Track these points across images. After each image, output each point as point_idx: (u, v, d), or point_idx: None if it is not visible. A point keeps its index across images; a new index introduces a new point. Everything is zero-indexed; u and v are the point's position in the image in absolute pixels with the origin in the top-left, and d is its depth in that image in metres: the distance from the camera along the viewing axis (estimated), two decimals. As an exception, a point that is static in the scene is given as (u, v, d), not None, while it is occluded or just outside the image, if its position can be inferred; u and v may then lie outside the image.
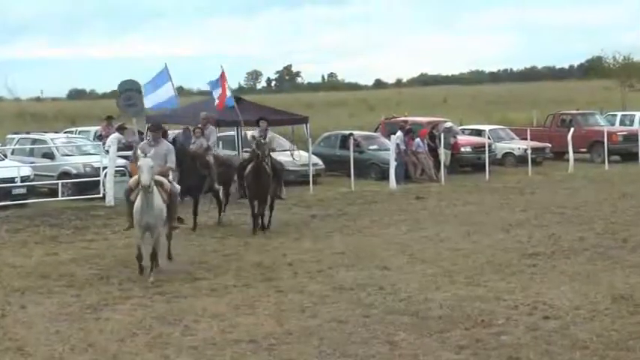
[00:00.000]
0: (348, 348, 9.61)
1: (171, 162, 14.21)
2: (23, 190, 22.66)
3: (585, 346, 9.58)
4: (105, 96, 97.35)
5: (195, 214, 18.05)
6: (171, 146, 14.47)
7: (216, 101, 23.70)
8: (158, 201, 13.12)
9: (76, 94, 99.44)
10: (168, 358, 9.46)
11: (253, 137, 18.36)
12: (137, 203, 13.04)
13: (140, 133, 27.81)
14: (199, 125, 20.09)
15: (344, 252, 15.33)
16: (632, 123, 38.30)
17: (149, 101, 22.36)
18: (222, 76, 23.56)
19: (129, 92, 15.07)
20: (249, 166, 17.69)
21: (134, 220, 13.20)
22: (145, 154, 13.04)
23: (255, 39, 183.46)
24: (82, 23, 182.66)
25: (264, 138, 17.92)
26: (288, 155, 27.15)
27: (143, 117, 22.22)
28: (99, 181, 23.09)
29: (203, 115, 20.48)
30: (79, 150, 25.89)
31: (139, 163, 12.63)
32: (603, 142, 32.57)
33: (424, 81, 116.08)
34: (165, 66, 21.05)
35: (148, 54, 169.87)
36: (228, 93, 23.68)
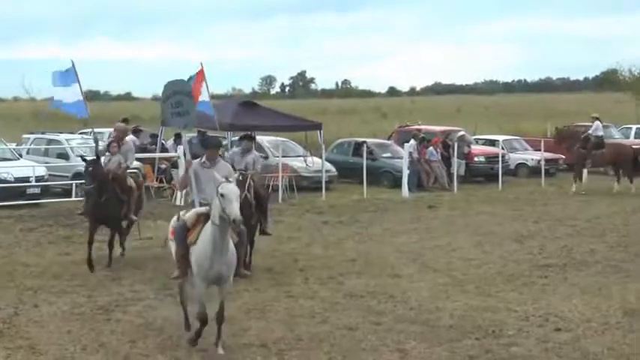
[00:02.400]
0: (358, 355, 9.62)
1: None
2: (37, 190, 22.75)
3: (596, 359, 9.57)
4: (119, 98, 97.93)
5: (111, 246, 14.68)
6: (230, 167, 11.17)
7: None
8: (230, 242, 9.79)
9: (91, 96, 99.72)
10: (178, 360, 9.49)
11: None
12: (202, 246, 9.65)
13: (154, 136, 28.00)
14: (112, 139, 15.72)
15: (355, 259, 15.34)
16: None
17: (56, 95, 17.92)
18: (199, 74, 20.77)
19: (178, 96, 10.33)
20: None
21: (196, 269, 9.76)
22: (222, 180, 9.64)
23: (269, 44, 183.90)
24: (96, 24, 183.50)
25: (245, 155, 14.67)
26: (302, 161, 27.25)
27: (193, 126, 16.72)
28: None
29: (118, 127, 16.17)
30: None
31: (222, 191, 9.39)
32: (617, 155, 32.43)
33: (438, 90, 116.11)
34: (73, 64, 17.09)
35: (161, 56, 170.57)
36: (205, 97, 20.70)
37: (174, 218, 10.66)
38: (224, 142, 28.80)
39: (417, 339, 10.27)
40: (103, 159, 14.97)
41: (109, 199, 14.33)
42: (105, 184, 14.34)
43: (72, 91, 17.14)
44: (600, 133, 27.97)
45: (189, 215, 10.27)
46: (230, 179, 9.70)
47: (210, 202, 9.93)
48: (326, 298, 12.31)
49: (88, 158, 14.91)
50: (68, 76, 17.13)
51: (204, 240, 9.67)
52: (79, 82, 16.99)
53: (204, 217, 9.91)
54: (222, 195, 9.39)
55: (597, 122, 28.03)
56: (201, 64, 20.53)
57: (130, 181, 15.08)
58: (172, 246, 10.46)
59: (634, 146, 28.66)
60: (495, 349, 9.91)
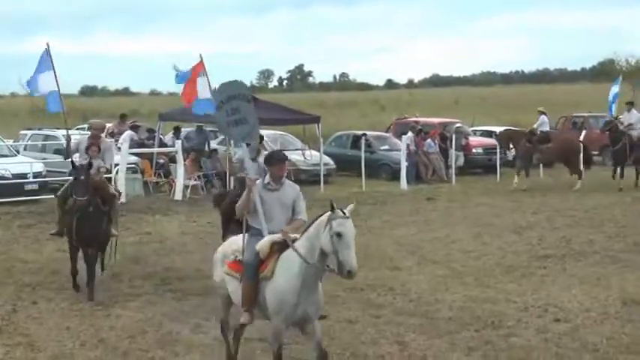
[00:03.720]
0: (358, 348, 9.63)
1: (302, 212, 8.90)
2: (35, 186, 22.72)
3: (595, 349, 9.58)
4: (117, 93, 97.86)
5: (92, 277, 12.08)
6: (297, 188, 9.10)
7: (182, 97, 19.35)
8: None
9: (88, 91, 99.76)
10: (178, 355, 9.49)
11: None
12: (285, 282, 8.13)
13: (152, 130, 27.98)
14: (91, 141, 13.06)
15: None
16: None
17: (33, 81, 15.17)
18: (198, 67, 18.70)
19: (234, 101, 9.09)
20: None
21: (275, 307, 8.21)
22: (337, 213, 8.02)
23: (267, 38, 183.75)
24: (94, 20, 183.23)
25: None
26: (300, 154, 27.23)
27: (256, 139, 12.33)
28: (110, 178, 23.11)
29: (94, 124, 13.82)
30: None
31: (339, 229, 7.82)
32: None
33: (435, 82, 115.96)
34: (47, 48, 14.50)
35: (159, 51, 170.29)
36: (204, 93, 18.12)
37: (223, 249, 9.10)
38: (221, 137, 28.88)
39: (416, 331, 10.28)
40: (78, 160, 12.80)
41: (93, 213, 11.94)
42: (92, 195, 11.99)
43: (45, 80, 14.47)
44: (546, 127, 26.96)
45: (262, 245, 8.35)
46: (344, 211, 8.04)
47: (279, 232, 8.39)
48: (326, 291, 12.12)
49: (77, 163, 12.55)
50: (41, 61, 14.57)
51: (287, 275, 8.10)
52: (54, 69, 14.34)
53: (279, 246, 8.32)
54: (338, 234, 7.76)
55: (543, 116, 26.99)
56: (201, 55, 18.50)
57: (111, 189, 12.99)
58: (231, 283, 8.72)
59: (581, 140, 27.62)
60: (495, 340, 9.92)
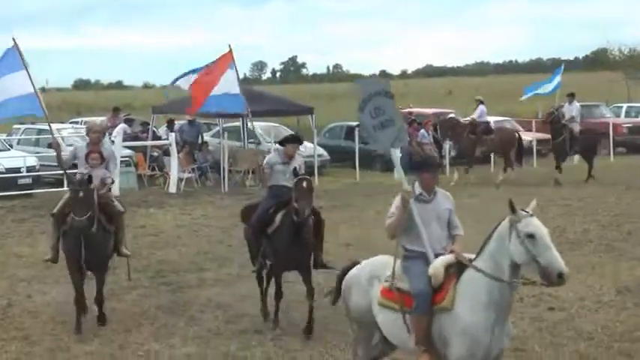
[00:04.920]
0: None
1: (459, 226, 8.02)
2: (29, 180, 22.72)
3: (590, 337, 9.61)
4: (110, 86, 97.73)
5: (100, 301, 10.64)
6: (451, 196, 7.96)
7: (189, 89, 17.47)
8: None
9: (82, 84, 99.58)
10: (173, 347, 9.50)
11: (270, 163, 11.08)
12: (473, 315, 6.81)
13: (146, 124, 27.95)
14: (91, 148, 10.96)
15: (350, 243, 15.33)
16: (637, 115, 38.23)
17: None
18: (224, 58, 16.84)
19: (377, 99, 7.80)
20: (280, 218, 10.40)
21: (464, 348, 6.83)
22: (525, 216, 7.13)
23: (260, 30, 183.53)
24: (87, 13, 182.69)
25: (288, 164, 10.68)
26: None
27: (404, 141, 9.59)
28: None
29: (93, 127, 11.57)
30: (85, 140, 25.90)
31: (529, 229, 6.94)
32: (609, 134, 32.50)
33: (429, 72, 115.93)
34: (15, 43, 11.87)
35: (152, 44, 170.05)
36: (231, 87, 16.47)
37: (366, 271, 7.62)
38: (214, 130, 28.85)
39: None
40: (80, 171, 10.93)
41: (97, 234, 10.15)
42: (94, 213, 10.10)
43: (16, 82, 11.79)
44: (485, 118, 26.00)
45: (436, 270, 7.05)
46: (526, 210, 7.15)
47: (443, 252, 7.28)
48: (321, 283, 12.30)
49: (77, 176, 10.72)
50: (9, 60, 11.92)
51: (474, 303, 6.80)
52: (26, 68, 11.82)
53: (453, 270, 7.13)
54: (530, 236, 6.78)
55: (481, 106, 25.92)
56: (230, 46, 16.22)
57: (117, 204, 10.97)
58: (384, 313, 7.37)
59: (518, 132, 26.91)
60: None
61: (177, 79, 18.63)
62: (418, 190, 7.45)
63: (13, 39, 11.96)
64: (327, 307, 10.42)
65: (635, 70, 55.73)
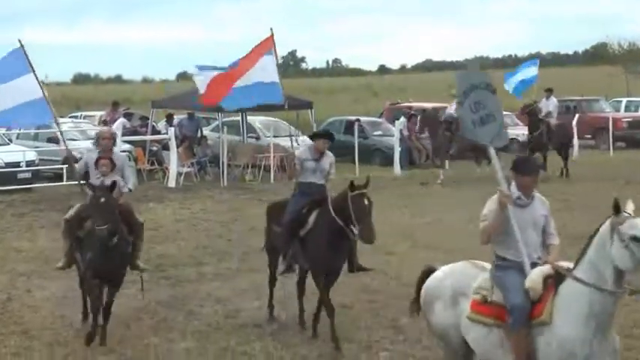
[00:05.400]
0: (353, 333, 9.66)
1: (555, 234, 7.52)
2: (28, 175, 22.71)
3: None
4: (109, 81, 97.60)
5: (107, 317, 9.72)
6: (547, 202, 7.41)
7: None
8: None
9: (81, 79, 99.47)
10: (172, 342, 9.51)
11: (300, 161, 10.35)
12: (575, 327, 6.45)
13: (145, 118, 27.94)
14: (101, 154, 10.24)
15: (348, 237, 15.32)
16: (637, 109, 38.24)
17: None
18: (265, 42, 14.90)
19: (477, 93, 7.37)
20: (313, 219, 9.87)
21: None
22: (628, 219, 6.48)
23: (259, 24, 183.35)
24: (87, 7, 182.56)
25: (320, 160, 10.22)
26: (292, 140, 27.20)
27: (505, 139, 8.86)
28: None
29: (103, 134, 10.52)
30: (84, 135, 25.94)
31: (635, 232, 6.27)
32: (608, 129, 32.51)
33: (429, 67, 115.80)
34: (21, 45, 11.02)
35: (151, 38, 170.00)
36: (268, 76, 14.71)
37: (451, 281, 7.13)
38: (214, 124, 28.83)
39: (410, 316, 10.28)
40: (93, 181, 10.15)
41: (117, 245, 9.51)
42: (117, 222, 9.49)
43: (23, 87, 10.89)
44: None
45: (533, 281, 6.57)
46: (628, 211, 6.48)
47: (538, 261, 6.83)
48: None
49: (94, 182, 9.94)
50: (14, 62, 11.00)
51: (573, 316, 6.38)
52: (33, 71, 10.97)
53: (553, 281, 6.63)
54: (635, 239, 6.16)
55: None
56: (272, 30, 14.66)
57: (137, 215, 10.38)
58: (475, 329, 6.86)
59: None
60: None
61: (200, 74, 16.97)
62: (515, 193, 6.93)
63: (19, 40, 11.11)
64: (333, 304, 10.45)
65: (634, 65, 55.74)
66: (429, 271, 7.49)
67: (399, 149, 26.40)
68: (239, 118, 27.51)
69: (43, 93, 11.05)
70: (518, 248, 6.79)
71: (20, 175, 22.48)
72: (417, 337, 9.51)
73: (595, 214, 7.94)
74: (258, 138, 27.55)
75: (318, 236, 9.56)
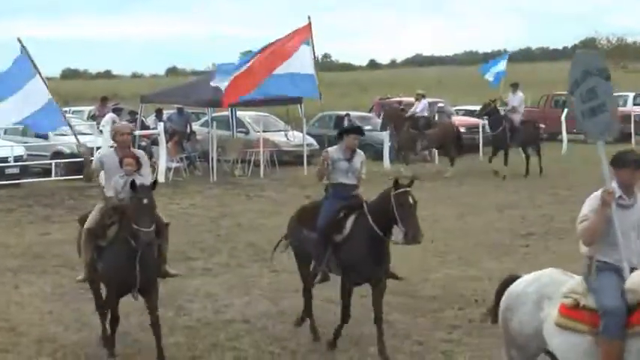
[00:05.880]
0: (343, 328, 9.63)
1: None
2: (16, 170, 22.63)
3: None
4: (98, 76, 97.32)
5: (159, 331, 8.94)
6: None
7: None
8: None
9: (70, 74, 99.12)
10: (162, 337, 9.46)
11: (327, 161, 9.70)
12: None
13: (134, 113, 27.85)
14: (126, 152, 9.31)
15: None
16: (625, 104, 38.32)
17: (16, 112, 10.66)
18: (302, 32, 13.75)
19: (590, 79, 6.56)
20: (350, 224, 9.25)
21: None
22: None
23: (249, 19, 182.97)
24: (76, 1, 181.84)
25: (349, 161, 9.66)
26: (283, 135, 27.20)
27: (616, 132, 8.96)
28: (92, 160, 23.02)
29: (121, 128, 9.63)
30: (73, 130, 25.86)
31: None
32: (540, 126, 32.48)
33: (418, 62, 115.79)
34: (22, 46, 10.43)
35: (141, 33, 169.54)
36: (307, 67, 13.44)
37: (536, 286, 6.74)
38: (203, 119, 28.79)
39: (400, 310, 10.30)
40: (111, 182, 9.24)
41: (152, 249, 8.85)
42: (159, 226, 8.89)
43: (34, 91, 10.24)
44: (427, 112, 25.31)
45: (634, 282, 6.16)
46: None
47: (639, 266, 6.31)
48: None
49: (138, 181, 8.83)
50: (20, 67, 10.35)
51: None
52: (38, 72, 10.32)
53: None
54: None
55: (424, 100, 25.28)
56: (309, 18, 13.66)
57: (161, 217, 9.30)
58: (563, 337, 6.41)
59: (457, 126, 26.38)
60: (477, 317, 9.94)
61: (221, 76, 15.92)
62: (617, 192, 6.50)
63: (19, 39, 10.45)
64: (317, 296, 10.44)
65: (622, 60, 55.95)
66: (511, 280, 7.09)
67: (389, 144, 26.38)
68: (228, 113, 27.46)
69: (50, 96, 10.45)
70: (617, 251, 6.38)
71: (8, 171, 22.40)
72: (407, 332, 9.52)
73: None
74: (247, 133, 27.52)
75: (355, 243, 8.97)
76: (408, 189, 8.80)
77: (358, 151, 9.66)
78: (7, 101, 10.37)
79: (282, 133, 27.48)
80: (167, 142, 23.86)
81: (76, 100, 45.88)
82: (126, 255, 8.57)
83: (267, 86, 13.72)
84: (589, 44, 68.38)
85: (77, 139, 11.85)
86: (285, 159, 26.49)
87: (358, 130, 9.85)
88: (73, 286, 11.62)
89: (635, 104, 37.76)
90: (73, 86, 63.30)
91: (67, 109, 34.04)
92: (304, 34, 13.44)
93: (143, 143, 25.61)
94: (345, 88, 63.27)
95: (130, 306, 10.63)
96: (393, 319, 9.94)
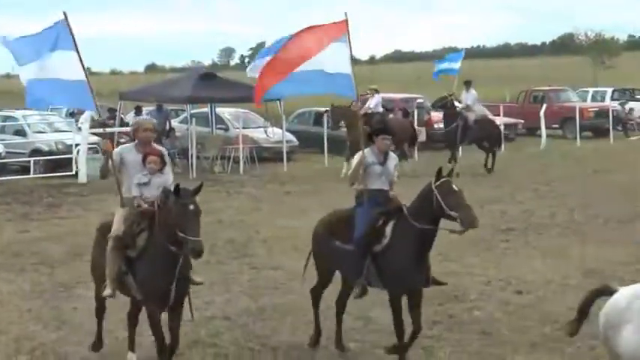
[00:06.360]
0: (323, 324, 9.63)
1: None
2: (-6, 168, 22.51)
3: (556, 320, 9.68)
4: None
5: (175, 348, 8.35)
6: None
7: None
8: None
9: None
10: (142, 335, 9.42)
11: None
12: None
13: (113, 110, 27.74)
14: (148, 149, 8.57)
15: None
16: (603, 99, 38.60)
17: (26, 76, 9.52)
18: (338, 27, 12.23)
19: None
20: (390, 231, 8.67)
21: None
22: None
23: (228, 16, 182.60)
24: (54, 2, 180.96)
25: (383, 164, 9.09)
26: (262, 132, 27.16)
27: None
28: (71, 158, 22.95)
29: (144, 124, 8.91)
30: (52, 127, 25.77)
31: None
32: (575, 119, 32.77)
33: (398, 58, 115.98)
34: (65, 17, 9.31)
35: (119, 30, 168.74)
36: (343, 66, 11.90)
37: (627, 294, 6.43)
38: (182, 116, 28.71)
39: (380, 306, 10.28)
40: (133, 180, 8.33)
41: (187, 261, 8.14)
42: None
43: (65, 62, 9.22)
44: (380, 108, 24.23)
45: None
46: None
47: None
48: (289, 268, 12.28)
49: (141, 180, 8.28)
50: (59, 35, 9.29)
51: None
52: (77, 49, 9.21)
53: None
54: None
55: (377, 96, 24.29)
56: (346, 14, 12.38)
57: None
58: None
59: (412, 122, 25.96)
60: (458, 313, 9.99)
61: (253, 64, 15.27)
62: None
63: (64, 13, 9.39)
64: (298, 292, 10.44)
65: (601, 55, 56.24)
66: (599, 292, 6.86)
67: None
68: (207, 109, 27.42)
69: (87, 77, 9.24)
70: None
71: (-14, 168, 22.29)
72: (387, 328, 9.52)
73: (561, 203, 8.01)
74: (227, 129, 27.48)
75: (399, 251, 8.38)
76: (448, 178, 8.40)
77: (391, 153, 9.14)
78: (36, 63, 9.42)
79: (262, 129, 27.43)
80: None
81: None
82: (166, 265, 7.83)
83: (294, 82, 12.55)
84: (567, 40, 68.72)
85: (105, 134, 10.87)
86: (265, 155, 26.47)
87: (388, 130, 9.20)
88: (52, 285, 11.59)
89: (612, 99, 37.99)
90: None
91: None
92: (340, 31, 12.06)
93: (122, 140, 25.53)
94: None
95: (111, 302, 10.59)
96: (374, 315, 9.95)
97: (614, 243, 13.64)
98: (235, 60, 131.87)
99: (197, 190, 7.83)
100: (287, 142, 26.35)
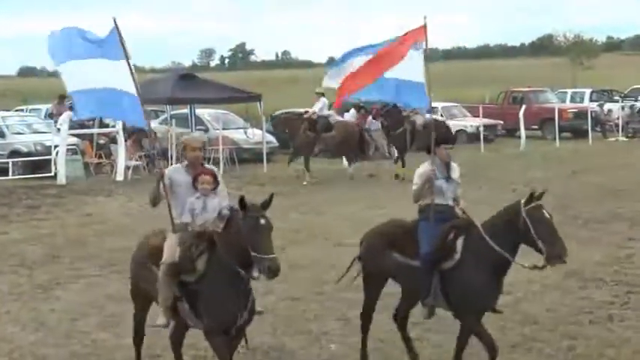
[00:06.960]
0: (302, 325, 9.65)
1: None
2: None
3: (535, 321, 9.73)
4: (56, 74, 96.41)
5: None
6: None
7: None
8: None
9: (27, 72, 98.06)
10: (120, 337, 9.40)
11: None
12: None
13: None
14: (197, 170, 7.89)
15: (299, 230, 15.34)
16: (582, 100, 38.84)
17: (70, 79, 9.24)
18: (414, 34, 11.84)
19: None
20: (461, 247, 8.11)
21: None
22: None
23: (207, 16, 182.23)
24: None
25: (447, 179, 8.51)
26: (242, 133, 27.15)
27: None
28: (50, 159, 22.84)
29: (192, 142, 8.20)
30: (30, 128, 25.64)
31: None
32: (554, 119, 32.95)
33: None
34: (115, 25, 8.61)
35: (97, 30, 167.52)
36: (416, 75, 11.49)
37: None
38: (162, 117, 28.63)
39: (360, 307, 10.29)
40: (185, 205, 7.75)
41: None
42: None
43: (114, 72, 8.58)
44: (326, 112, 23.50)
45: None
46: None
47: None
48: (269, 269, 12.27)
49: (195, 204, 7.68)
50: (108, 43, 8.66)
51: None
52: (127, 59, 8.52)
53: None
54: None
55: (323, 99, 23.41)
56: (425, 18, 11.90)
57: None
58: None
59: (360, 127, 24.58)
60: (439, 314, 9.97)
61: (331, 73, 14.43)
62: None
63: (114, 19, 8.67)
64: (277, 293, 10.43)
65: (579, 56, 56.54)
66: None
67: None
68: (187, 110, 27.36)
69: (137, 90, 8.46)
70: None
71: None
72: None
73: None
74: (207, 130, 27.42)
75: (471, 269, 7.82)
76: (539, 202, 7.84)
77: (453, 164, 8.53)
78: (84, 62, 8.75)
79: (242, 130, 27.41)
80: (126, 140, 23.69)
81: (33, 99, 45.36)
82: (232, 289, 7.24)
83: (372, 89, 12.38)
84: (546, 41, 69.07)
85: (160, 154, 9.54)
86: (245, 157, 26.45)
87: (447, 140, 8.75)
88: (30, 286, 11.52)
89: (591, 101, 38.25)
90: (29, 84, 62.64)
91: (24, 107, 33.72)
92: (417, 38, 11.71)
93: (102, 141, 25.44)
94: (306, 86, 63.35)
95: (89, 305, 10.56)
96: (353, 316, 9.93)
97: (593, 244, 13.70)
98: (215, 61, 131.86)
99: (268, 203, 7.27)
100: (267, 143, 26.34)
